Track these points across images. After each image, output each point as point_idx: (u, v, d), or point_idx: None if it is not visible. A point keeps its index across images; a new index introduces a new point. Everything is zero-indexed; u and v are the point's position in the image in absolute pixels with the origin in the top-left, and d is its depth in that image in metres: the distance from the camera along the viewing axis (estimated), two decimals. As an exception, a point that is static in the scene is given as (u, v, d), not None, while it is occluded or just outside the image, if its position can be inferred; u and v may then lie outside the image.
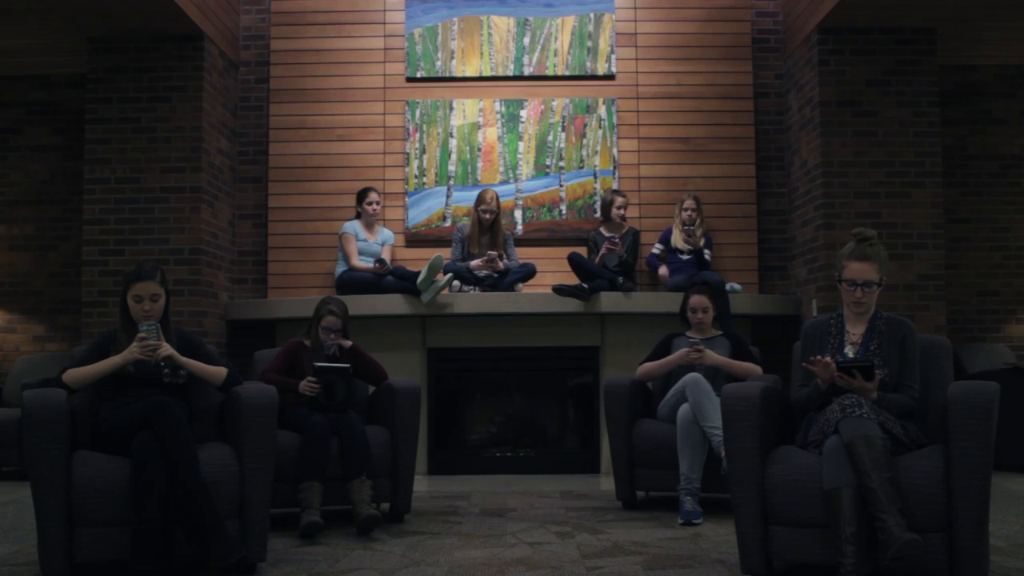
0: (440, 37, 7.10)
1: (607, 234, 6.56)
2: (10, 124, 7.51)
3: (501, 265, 6.44)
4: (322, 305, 4.83)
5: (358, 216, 6.72)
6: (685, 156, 7.04)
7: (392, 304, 6.31)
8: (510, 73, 7.09)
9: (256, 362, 5.10)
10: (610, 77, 7.10)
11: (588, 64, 7.09)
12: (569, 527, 4.47)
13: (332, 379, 4.59)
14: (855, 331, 3.61)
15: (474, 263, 6.45)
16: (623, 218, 6.65)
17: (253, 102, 7.19)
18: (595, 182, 6.99)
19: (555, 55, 7.09)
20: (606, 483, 5.88)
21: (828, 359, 3.45)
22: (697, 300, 5.21)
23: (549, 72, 7.09)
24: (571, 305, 6.30)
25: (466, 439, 6.76)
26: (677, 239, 6.61)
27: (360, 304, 6.08)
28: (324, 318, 4.77)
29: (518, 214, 6.98)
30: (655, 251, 6.71)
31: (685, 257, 6.56)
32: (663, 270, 6.67)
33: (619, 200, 6.65)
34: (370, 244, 6.64)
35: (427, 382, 6.46)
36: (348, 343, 4.81)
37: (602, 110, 7.03)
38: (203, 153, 6.42)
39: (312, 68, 7.08)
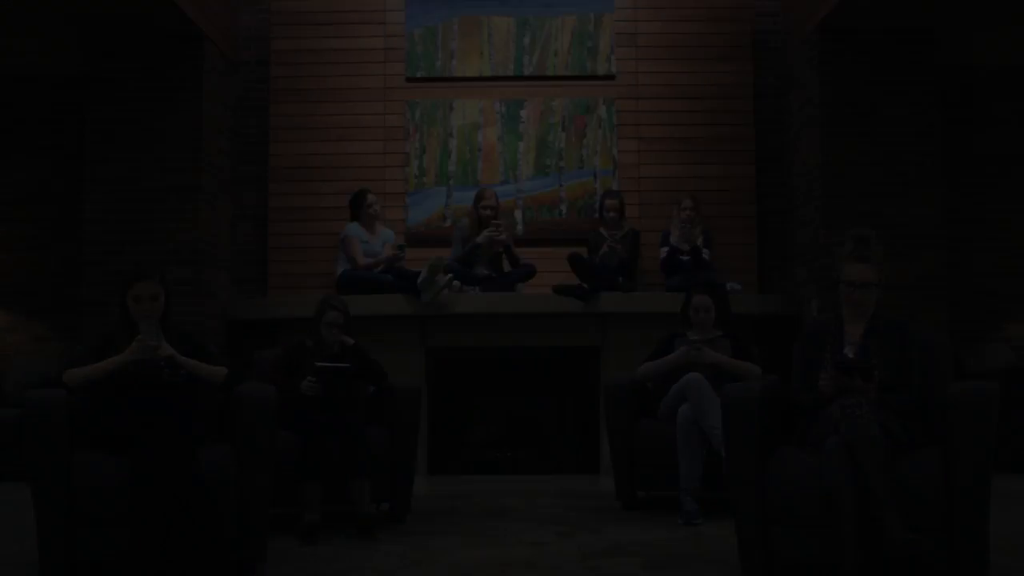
0: (440, 37, 7.09)
1: (607, 234, 6.55)
2: (10, 124, 7.50)
3: (506, 236, 6.43)
4: (323, 303, 4.87)
5: (354, 219, 6.70)
6: (685, 156, 7.03)
7: (392, 304, 6.31)
8: (510, 73, 7.08)
9: (256, 362, 5.10)
10: (610, 77, 7.09)
11: (588, 64, 7.08)
12: (569, 527, 4.47)
13: (332, 379, 4.59)
14: (854, 331, 3.61)
15: (481, 236, 6.41)
16: (614, 219, 6.63)
17: (253, 102, 7.18)
18: (595, 182, 6.99)
19: (555, 55, 7.09)
20: (606, 483, 5.88)
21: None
22: (699, 300, 5.21)
23: (549, 72, 7.08)
24: (571, 305, 6.30)
25: (466, 439, 6.76)
26: (675, 237, 6.60)
27: (360, 304, 6.06)
28: (327, 313, 4.80)
29: (518, 214, 6.97)
30: (663, 256, 6.68)
31: (684, 258, 6.55)
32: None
33: (607, 203, 6.64)
34: (372, 245, 6.64)
35: (427, 382, 6.46)
36: (351, 341, 4.81)
37: (602, 110, 7.02)
38: (203, 153, 6.42)
39: (312, 68, 7.07)
